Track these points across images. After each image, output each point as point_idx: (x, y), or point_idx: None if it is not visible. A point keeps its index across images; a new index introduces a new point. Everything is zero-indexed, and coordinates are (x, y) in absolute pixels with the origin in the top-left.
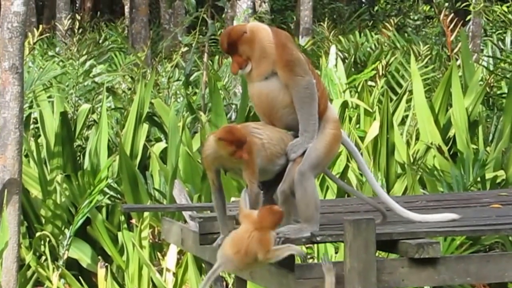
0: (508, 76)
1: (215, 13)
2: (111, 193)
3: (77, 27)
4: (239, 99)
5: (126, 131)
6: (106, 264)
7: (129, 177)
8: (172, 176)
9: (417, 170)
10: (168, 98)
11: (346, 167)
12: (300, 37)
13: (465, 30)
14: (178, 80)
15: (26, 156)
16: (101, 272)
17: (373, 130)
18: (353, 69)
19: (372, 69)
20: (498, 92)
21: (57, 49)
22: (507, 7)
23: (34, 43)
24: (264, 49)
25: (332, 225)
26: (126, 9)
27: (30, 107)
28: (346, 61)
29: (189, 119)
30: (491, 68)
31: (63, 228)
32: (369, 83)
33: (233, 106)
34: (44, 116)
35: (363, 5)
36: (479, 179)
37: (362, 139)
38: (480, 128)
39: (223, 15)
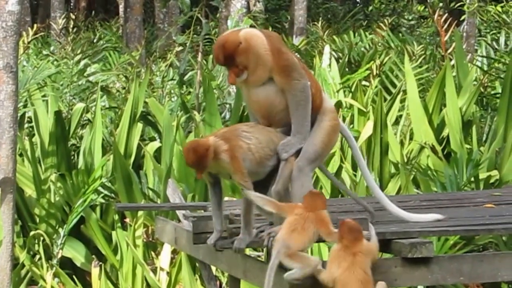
0: (502, 76)
1: (209, 13)
2: (105, 192)
3: (71, 26)
4: (233, 99)
5: (120, 130)
6: (100, 263)
7: (123, 176)
8: (166, 175)
9: (411, 170)
10: (162, 98)
11: (340, 168)
12: (294, 36)
13: (459, 30)
14: (172, 79)
15: (21, 155)
16: (95, 271)
17: (367, 130)
18: (347, 69)
19: (366, 69)
20: (492, 92)
21: (51, 48)
22: (501, 7)
23: (29, 42)
24: (260, 57)
25: None
26: (121, 9)
27: (25, 106)
28: (340, 60)
29: (183, 118)
30: (485, 68)
31: (57, 227)
32: (363, 83)
33: (227, 106)
34: (39, 115)
35: (357, 5)
36: (472, 179)
37: (356, 139)
38: (473, 128)
39: (218, 15)
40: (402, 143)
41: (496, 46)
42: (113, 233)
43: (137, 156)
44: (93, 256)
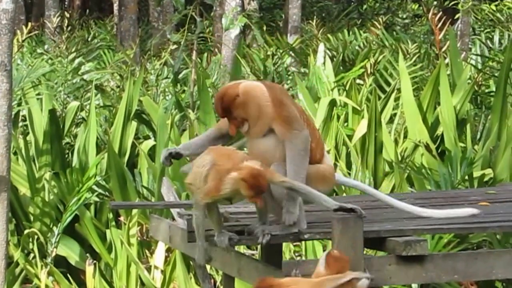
0: (496, 74)
1: (203, 11)
2: (100, 190)
3: (66, 24)
4: None
5: (114, 129)
6: (94, 261)
7: (118, 174)
8: (161, 173)
9: (405, 168)
10: (156, 96)
11: (334, 166)
12: (288, 35)
13: (453, 28)
14: (166, 77)
15: (15, 153)
16: (89, 269)
17: (361, 128)
18: (341, 67)
19: (361, 67)
20: (486, 90)
21: (45, 46)
22: (496, 5)
23: (23, 41)
24: (260, 108)
25: (320, 223)
26: (115, 7)
27: (19, 104)
28: (335, 59)
29: (178, 116)
30: (479, 66)
31: (51, 226)
32: (358, 81)
33: None
34: (33, 113)
35: (352, 3)
36: (466, 177)
37: (350, 137)
38: (468, 126)
39: (212, 13)
40: (396, 142)
41: (490, 45)
42: (108, 231)
43: (132, 154)
44: (88, 254)
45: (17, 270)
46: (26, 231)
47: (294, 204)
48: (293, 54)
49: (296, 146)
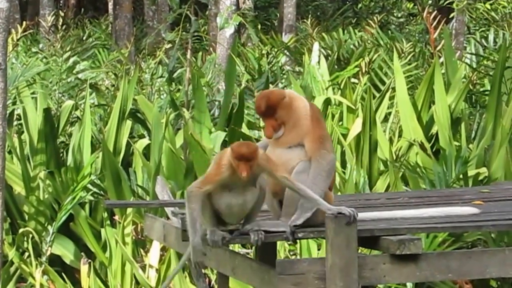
0: (490, 73)
1: (198, 10)
2: (94, 189)
3: (60, 23)
4: (222, 96)
5: (109, 128)
6: (89, 260)
7: (112, 173)
8: (155, 172)
9: (400, 167)
10: (151, 95)
11: None
12: (283, 34)
13: (448, 27)
14: (161, 76)
15: (10, 152)
16: (84, 268)
17: (356, 127)
18: (336, 66)
19: (355, 66)
20: (481, 89)
21: (40, 45)
22: (490, 4)
23: (18, 40)
24: (299, 119)
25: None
26: (110, 6)
27: (14, 103)
28: (329, 58)
29: (172, 115)
30: (474, 65)
31: (46, 225)
32: (352, 80)
33: (216, 103)
34: (28, 112)
35: (347, 2)
36: (461, 176)
37: (344, 136)
38: (462, 125)
39: (207, 12)
40: (391, 140)
41: (485, 44)
42: (102, 230)
43: (126, 153)
44: (82, 253)
45: (12, 269)
46: (20, 230)
47: (306, 211)
48: (288, 53)
49: (321, 166)
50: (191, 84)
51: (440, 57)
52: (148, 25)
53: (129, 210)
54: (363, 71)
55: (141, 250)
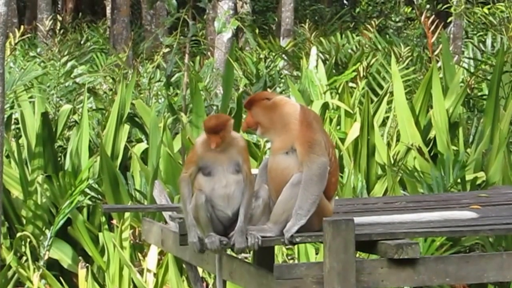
0: (488, 77)
1: (196, 14)
2: (92, 193)
3: (58, 28)
4: (220, 100)
5: (107, 132)
6: (87, 264)
7: (110, 177)
8: (153, 176)
9: (398, 171)
10: (149, 99)
11: None
12: (281, 38)
13: (446, 32)
14: (159, 81)
15: (7, 156)
16: (81, 272)
17: (354, 131)
18: (334, 71)
19: (353, 71)
20: (479, 93)
21: (38, 49)
22: (488, 9)
23: (16, 44)
24: (288, 124)
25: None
26: (108, 10)
27: (11, 107)
28: (327, 62)
29: (170, 120)
30: (472, 69)
31: (44, 229)
32: (350, 84)
33: (214, 107)
34: (25, 116)
35: (345, 6)
36: (459, 180)
37: (342, 140)
38: (460, 129)
39: (205, 16)
40: (389, 145)
41: (483, 48)
42: (100, 234)
43: (124, 157)
44: (80, 257)
45: (10, 273)
46: (18, 234)
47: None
48: (285, 57)
49: (311, 171)
50: (189, 89)
51: (438, 61)
52: (146, 29)
53: (127, 214)
54: (361, 75)
55: (139, 254)
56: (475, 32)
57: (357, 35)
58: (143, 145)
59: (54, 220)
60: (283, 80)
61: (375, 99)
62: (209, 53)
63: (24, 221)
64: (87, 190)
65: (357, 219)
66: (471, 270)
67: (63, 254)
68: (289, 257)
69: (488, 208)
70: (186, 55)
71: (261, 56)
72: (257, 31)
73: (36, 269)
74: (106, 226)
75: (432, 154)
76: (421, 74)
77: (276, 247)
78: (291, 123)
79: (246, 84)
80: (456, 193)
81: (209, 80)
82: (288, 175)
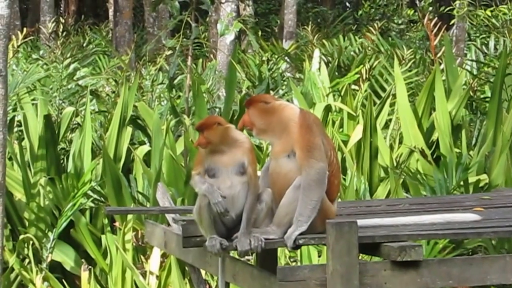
0: (491, 80)
1: (199, 17)
2: (95, 196)
3: (61, 30)
4: (223, 103)
5: (109, 134)
6: (90, 267)
7: (113, 180)
8: (156, 179)
9: (400, 173)
10: (152, 101)
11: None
12: (283, 40)
13: (449, 34)
14: (162, 83)
15: (10, 159)
16: (84, 275)
17: (356, 134)
18: (336, 73)
19: (356, 73)
20: (482, 96)
21: (41, 52)
22: (491, 11)
23: (18, 46)
24: (286, 127)
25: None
26: (110, 13)
27: (14, 110)
28: (330, 64)
29: (173, 122)
30: (475, 72)
31: (46, 231)
32: (353, 87)
33: (217, 110)
34: (28, 119)
35: (347, 9)
36: (462, 183)
37: (345, 143)
38: (463, 132)
39: (207, 19)
40: (391, 147)
41: (486, 50)
42: (103, 237)
43: (127, 160)
44: (83, 260)
45: (12, 276)
46: (21, 237)
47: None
48: (288, 60)
49: (309, 176)
50: (192, 91)
51: (440, 63)
52: (148, 31)
53: (129, 216)
54: (364, 77)
55: (142, 257)
56: (478, 35)
57: (359, 38)
58: (145, 148)
59: (57, 223)
60: (285, 83)
61: (378, 102)
62: (211, 56)
63: (27, 224)
64: (90, 193)
65: (360, 222)
66: (474, 273)
67: (65, 257)
68: (291, 260)
69: (491, 210)
70: (189, 58)
71: (264, 58)
72: (259, 33)
73: (38, 272)
74: (109, 229)
75: (435, 156)
76: (423, 76)
77: (279, 250)
78: (291, 126)
79: (249, 87)
80: (459, 195)
81: (211, 83)
82: (290, 178)
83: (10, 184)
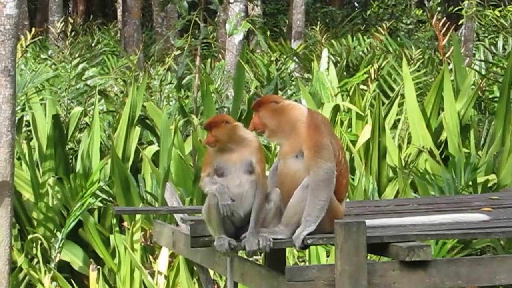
0: (500, 80)
1: (207, 17)
2: (103, 196)
3: (69, 30)
4: (231, 102)
5: (118, 134)
6: (98, 267)
7: (121, 180)
8: (164, 179)
9: (409, 173)
10: (160, 101)
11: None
12: (292, 40)
13: (457, 34)
14: (170, 83)
15: (19, 158)
16: (92, 274)
17: (365, 133)
18: (345, 73)
19: (364, 73)
20: (490, 96)
21: (49, 52)
22: (499, 11)
23: (27, 46)
24: (295, 128)
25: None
26: (119, 13)
27: (23, 109)
28: (338, 64)
29: (181, 122)
30: (483, 72)
31: (55, 231)
32: (361, 86)
33: (225, 109)
34: (37, 118)
35: (356, 9)
36: (470, 183)
37: (353, 143)
38: (471, 132)
39: (216, 19)
40: (400, 147)
41: (494, 50)
42: (111, 236)
43: (135, 159)
44: (91, 259)
45: (21, 275)
46: (29, 236)
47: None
48: (296, 60)
49: (317, 176)
50: (200, 91)
51: (449, 63)
52: (157, 31)
53: (138, 216)
54: (372, 77)
55: (150, 257)
56: (486, 35)
57: (368, 38)
58: (154, 147)
59: (65, 222)
60: (294, 83)
61: (386, 102)
62: (220, 56)
63: (35, 223)
64: (98, 192)
65: (369, 222)
66: (483, 273)
67: (74, 256)
68: (300, 260)
69: (499, 210)
70: (197, 58)
71: (272, 58)
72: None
73: (47, 271)
74: (117, 228)
75: (443, 156)
76: (432, 76)
77: (288, 250)
78: (299, 127)
79: (257, 87)
80: (468, 195)
81: (220, 83)
82: (299, 178)
83: (18, 184)
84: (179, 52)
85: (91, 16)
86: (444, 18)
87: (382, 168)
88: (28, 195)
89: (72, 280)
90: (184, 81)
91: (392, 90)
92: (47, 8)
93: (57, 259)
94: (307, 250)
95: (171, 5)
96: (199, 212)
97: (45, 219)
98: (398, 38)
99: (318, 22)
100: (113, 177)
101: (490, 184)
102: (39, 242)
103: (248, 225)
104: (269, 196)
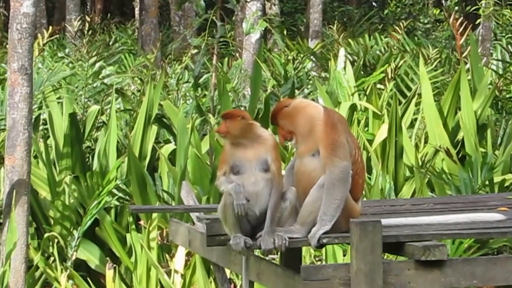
0: None
1: (224, 15)
2: (120, 194)
3: (87, 28)
4: (248, 101)
5: (135, 133)
6: (114, 265)
7: (138, 178)
8: (181, 177)
9: (426, 173)
10: (177, 100)
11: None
12: (309, 39)
13: (474, 33)
14: (187, 82)
15: (35, 157)
16: (109, 273)
17: (382, 133)
18: (362, 72)
19: (381, 72)
20: (507, 95)
21: (66, 50)
22: None
23: (44, 45)
24: (311, 126)
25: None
26: (136, 11)
27: (39, 108)
28: (355, 64)
29: (198, 121)
30: (500, 71)
31: (71, 229)
32: (378, 86)
33: (242, 108)
34: (53, 117)
35: (373, 8)
36: (487, 182)
37: (370, 142)
38: (488, 131)
39: (233, 17)
40: (417, 147)
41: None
42: (128, 235)
43: (152, 158)
44: (108, 258)
45: (37, 274)
46: (46, 235)
47: (325, 224)
48: (314, 59)
49: (333, 175)
50: (217, 90)
51: (466, 63)
52: (174, 30)
53: (154, 215)
54: (389, 77)
55: (166, 255)
56: (503, 34)
57: (385, 37)
58: (171, 146)
59: (82, 221)
60: (311, 82)
61: (403, 101)
62: (237, 54)
63: (52, 222)
64: (115, 191)
65: (385, 221)
66: (499, 272)
67: (90, 255)
68: (316, 259)
69: None
70: (214, 56)
71: (289, 57)
72: (285, 32)
73: (63, 270)
74: (134, 227)
75: (460, 156)
76: (449, 76)
77: (304, 249)
78: (316, 125)
79: (274, 86)
80: (484, 195)
81: (237, 81)
82: (315, 177)
83: (35, 182)
84: (196, 50)
85: (109, 14)
86: (462, 18)
87: (399, 168)
88: (44, 193)
89: (88, 279)
90: (201, 80)
91: (409, 89)
92: (64, 6)
93: (74, 258)
94: (324, 249)
95: (188, 3)
96: (215, 210)
97: (62, 217)
98: (416, 38)
99: (336, 21)
100: (130, 176)
101: (507, 184)
102: (56, 240)
103: (264, 224)
104: (285, 194)
